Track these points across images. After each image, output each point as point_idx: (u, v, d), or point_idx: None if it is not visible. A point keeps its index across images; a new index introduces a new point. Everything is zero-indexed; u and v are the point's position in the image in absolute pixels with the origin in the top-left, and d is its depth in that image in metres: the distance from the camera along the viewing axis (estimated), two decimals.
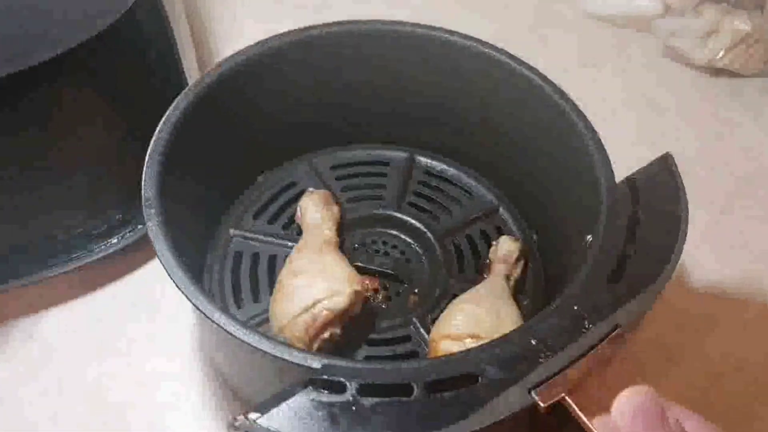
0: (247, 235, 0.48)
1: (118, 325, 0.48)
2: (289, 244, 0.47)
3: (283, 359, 0.31)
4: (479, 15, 0.72)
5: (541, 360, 0.30)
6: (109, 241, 0.48)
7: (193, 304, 0.32)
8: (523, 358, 0.31)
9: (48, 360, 0.47)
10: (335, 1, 0.73)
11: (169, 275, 0.33)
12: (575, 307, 0.32)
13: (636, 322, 0.33)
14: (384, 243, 0.49)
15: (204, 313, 0.32)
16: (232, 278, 0.46)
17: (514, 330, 0.32)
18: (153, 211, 0.36)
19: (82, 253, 0.46)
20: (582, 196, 0.41)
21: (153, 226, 0.35)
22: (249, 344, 0.31)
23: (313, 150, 0.53)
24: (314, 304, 0.39)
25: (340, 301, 0.40)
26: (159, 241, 0.34)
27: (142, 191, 0.36)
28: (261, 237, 0.48)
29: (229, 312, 0.43)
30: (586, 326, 0.32)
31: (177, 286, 0.33)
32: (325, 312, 0.39)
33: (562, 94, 0.42)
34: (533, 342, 0.31)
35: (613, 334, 0.32)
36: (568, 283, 0.36)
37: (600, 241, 0.36)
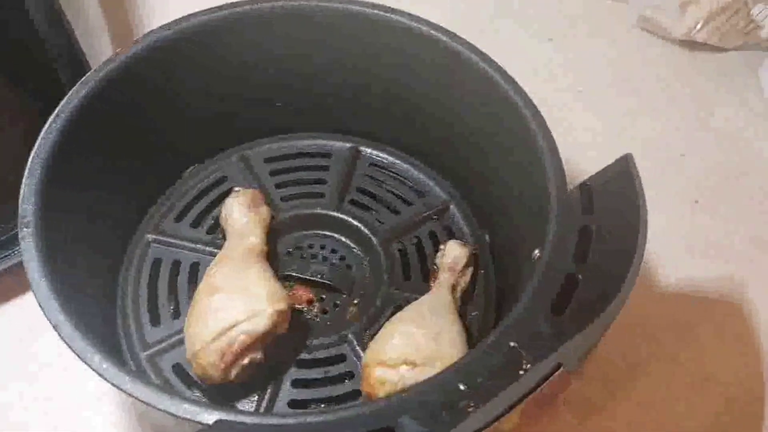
0: (167, 240, 0.43)
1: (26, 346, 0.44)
2: (214, 250, 0.43)
3: (173, 414, 0.26)
4: None
5: (469, 410, 0.26)
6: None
7: (72, 349, 0.28)
8: (448, 408, 0.26)
9: None
10: None
11: (44, 313, 0.28)
12: (512, 343, 0.28)
13: (581, 358, 0.29)
14: (322, 247, 0.44)
15: (83, 360, 0.27)
16: (148, 291, 0.41)
17: (440, 372, 0.28)
18: (29, 231, 0.31)
19: None
20: (533, 202, 0.36)
21: (28, 252, 0.30)
22: (134, 396, 0.26)
23: (246, 141, 0.48)
24: (231, 328, 0.35)
25: (260, 323, 0.35)
26: (33, 271, 0.29)
27: (19, 208, 0.31)
28: (183, 243, 0.43)
29: (143, 334, 0.39)
30: (524, 366, 0.28)
31: (53, 326, 0.28)
32: (242, 336, 0.35)
33: (516, 88, 0.38)
34: (461, 387, 0.27)
35: (555, 374, 0.28)
36: (508, 310, 0.32)
37: (545, 262, 0.31)
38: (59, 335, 0.28)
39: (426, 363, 0.35)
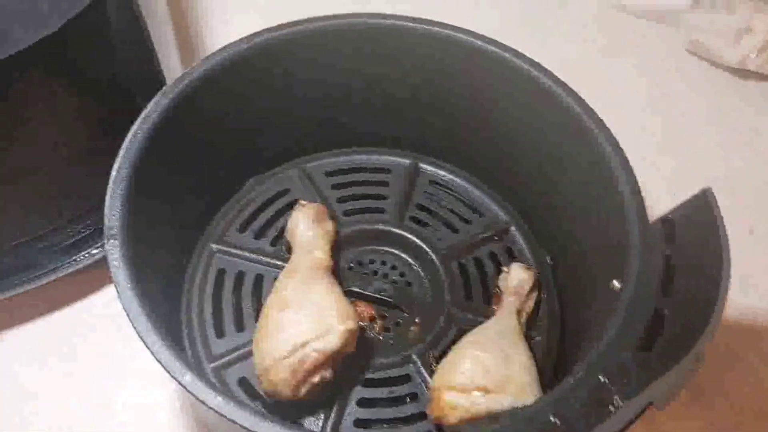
0: (232, 251, 0.43)
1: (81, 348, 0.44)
2: (278, 263, 0.43)
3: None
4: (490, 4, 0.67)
5: None
6: (85, 252, 0.43)
7: (162, 365, 0.28)
8: None
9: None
10: None
11: (134, 327, 0.28)
12: (601, 379, 0.28)
13: (671, 396, 0.29)
14: (383, 263, 0.44)
15: (173, 376, 0.27)
16: (213, 302, 0.41)
17: (532, 405, 0.28)
18: (116, 242, 0.31)
19: (41, 270, 0.41)
20: (608, 232, 0.36)
21: (116, 263, 0.30)
22: (226, 417, 0.26)
23: (307, 154, 0.48)
24: (303, 345, 0.35)
25: (332, 341, 0.35)
26: (123, 287, 0.29)
27: (105, 219, 0.31)
28: (246, 254, 0.43)
29: (208, 346, 0.39)
30: (615, 402, 0.28)
31: (143, 342, 0.28)
32: (314, 354, 0.35)
33: (598, 122, 0.37)
34: (553, 419, 0.27)
35: (645, 411, 0.28)
36: (592, 340, 0.32)
37: (630, 296, 0.31)
38: (155, 357, 0.28)
39: (498, 389, 0.34)
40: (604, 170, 0.36)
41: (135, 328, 0.28)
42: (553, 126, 0.40)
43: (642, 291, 0.31)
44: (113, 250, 0.31)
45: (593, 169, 0.37)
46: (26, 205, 0.42)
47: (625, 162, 0.36)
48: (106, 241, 0.31)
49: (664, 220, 0.34)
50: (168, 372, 0.27)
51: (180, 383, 0.27)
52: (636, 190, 0.34)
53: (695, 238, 0.33)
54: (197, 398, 0.26)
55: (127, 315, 0.29)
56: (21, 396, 0.42)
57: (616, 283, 0.34)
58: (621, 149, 0.36)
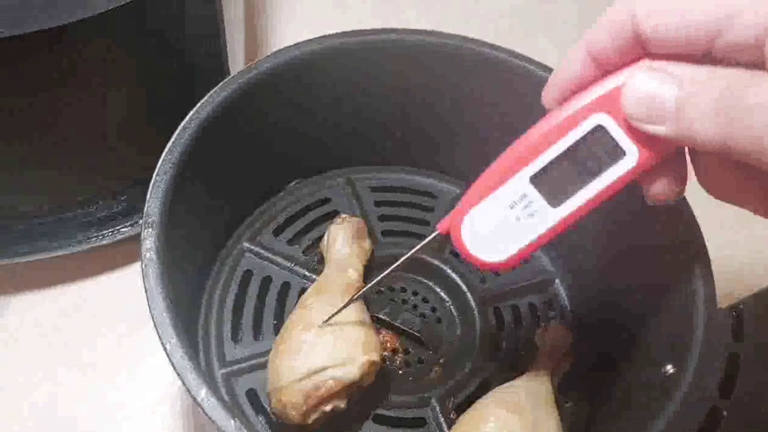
0: (263, 253, 0.41)
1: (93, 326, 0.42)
2: (307, 273, 0.41)
3: None
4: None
5: None
6: (113, 229, 0.41)
7: (178, 375, 0.26)
8: None
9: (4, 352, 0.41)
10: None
11: (157, 332, 0.26)
12: None
13: None
14: (414, 293, 0.42)
15: (189, 391, 0.25)
16: (235, 303, 0.39)
17: None
18: (152, 232, 0.29)
19: (76, 239, 0.39)
20: (667, 306, 0.34)
21: (149, 254, 0.28)
22: None
23: (354, 164, 0.46)
24: (320, 371, 0.33)
25: (351, 371, 0.33)
26: (151, 280, 0.28)
27: (145, 206, 0.29)
28: (277, 259, 0.41)
29: (222, 349, 0.37)
30: None
31: (164, 348, 0.26)
32: (331, 382, 0.33)
33: None
34: None
35: None
36: (632, 423, 0.29)
37: (686, 388, 0.28)
38: (168, 356, 0.26)
39: None
40: (677, 248, 0.33)
41: (158, 332, 0.27)
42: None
43: (699, 383, 0.29)
44: (148, 239, 0.29)
45: (661, 237, 0.35)
46: (67, 172, 0.40)
47: (700, 240, 0.33)
48: (142, 228, 0.29)
49: (733, 309, 0.31)
50: (185, 386, 0.25)
51: (195, 400, 0.25)
52: (708, 278, 0.31)
53: (766, 335, 0.30)
54: (210, 419, 0.24)
55: (151, 313, 0.27)
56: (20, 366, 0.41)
57: (669, 368, 0.31)
58: (695, 222, 0.33)
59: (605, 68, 0.25)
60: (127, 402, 0.40)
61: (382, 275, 0.33)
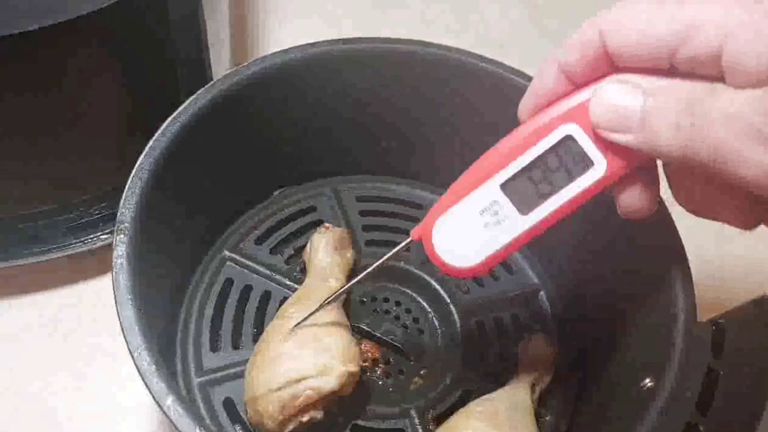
0: (244, 261, 0.41)
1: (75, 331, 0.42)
2: (289, 282, 0.41)
3: None
4: None
5: None
6: (93, 236, 0.41)
7: (144, 383, 0.25)
8: None
9: None
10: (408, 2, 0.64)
11: (124, 335, 0.26)
12: None
13: None
14: (397, 303, 0.42)
15: (155, 399, 0.25)
16: (214, 311, 0.39)
17: None
18: (124, 238, 0.29)
19: (62, 243, 0.39)
20: (647, 322, 0.33)
21: (120, 260, 0.28)
22: None
23: (341, 173, 0.46)
24: (298, 381, 0.32)
25: (330, 381, 0.33)
26: (122, 287, 0.27)
27: (118, 212, 0.29)
28: (259, 268, 0.41)
29: (200, 358, 0.37)
30: None
31: (130, 354, 0.26)
32: (308, 392, 0.32)
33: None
34: None
35: None
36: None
37: (662, 403, 0.28)
38: (135, 364, 0.26)
39: None
40: (658, 262, 0.33)
41: (126, 340, 0.26)
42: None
43: (676, 399, 0.28)
44: (120, 246, 0.29)
45: (645, 260, 0.34)
46: (49, 175, 0.40)
47: (679, 248, 0.32)
48: (114, 235, 0.29)
49: (714, 324, 0.31)
50: (151, 393, 0.25)
51: (161, 408, 0.24)
52: (689, 292, 0.31)
53: (746, 351, 0.30)
54: (176, 427, 0.24)
55: (120, 320, 0.27)
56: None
57: (648, 381, 0.31)
58: (677, 234, 0.33)
59: (576, 83, 0.26)
60: (119, 404, 0.40)
61: (354, 280, 0.33)
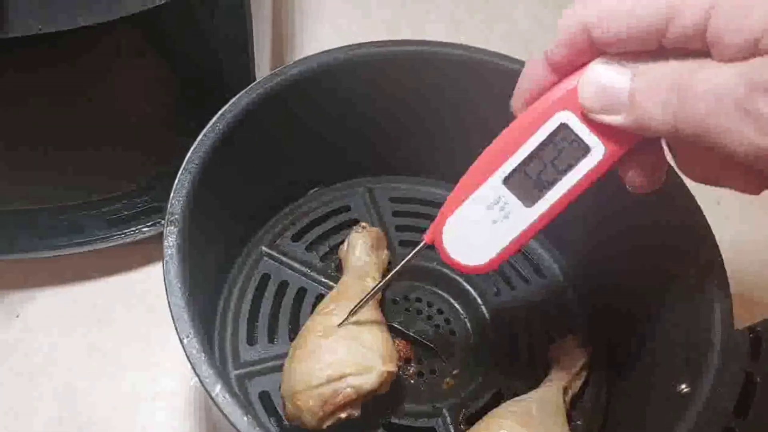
0: (281, 257, 0.42)
1: (111, 321, 0.43)
2: (323, 279, 0.41)
3: None
4: None
5: None
6: (135, 228, 0.42)
7: (195, 371, 0.26)
8: None
9: (24, 344, 0.42)
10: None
11: (174, 321, 0.27)
12: None
13: None
14: (429, 304, 0.42)
15: (203, 386, 0.25)
16: (251, 305, 0.40)
17: None
18: (175, 229, 0.30)
19: (91, 236, 0.40)
20: (681, 328, 0.33)
21: (170, 250, 0.29)
22: None
23: (376, 173, 0.47)
24: (339, 378, 0.33)
25: (369, 380, 0.33)
26: (171, 276, 0.28)
27: (168, 204, 0.30)
28: (295, 264, 0.42)
29: (237, 350, 0.38)
30: None
31: (182, 344, 0.27)
32: (348, 390, 0.33)
33: (695, 209, 0.34)
34: None
35: None
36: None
37: (700, 408, 0.28)
38: (185, 351, 0.26)
39: None
40: (696, 270, 0.33)
41: (176, 327, 0.27)
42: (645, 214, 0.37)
43: (714, 404, 0.28)
44: (170, 236, 0.29)
45: (684, 266, 0.34)
46: (93, 168, 0.41)
47: (717, 257, 0.33)
48: (165, 226, 0.29)
49: (752, 330, 0.31)
50: (200, 380, 0.25)
51: (209, 395, 0.25)
52: (726, 298, 0.31)
53: None
54: (224, 414, 0.25)
55: (170, 307, 0.27)
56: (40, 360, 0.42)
57: (683, 387, 0.31)
58: (717, 247, 0.33)
59: (564, 73, 0.26)
60: (143, 393, 0.41)
61: (386, 278, 0.34)
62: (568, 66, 0.26)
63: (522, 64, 0.40)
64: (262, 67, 0.43)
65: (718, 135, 0.22)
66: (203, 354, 0.26)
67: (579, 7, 0.24)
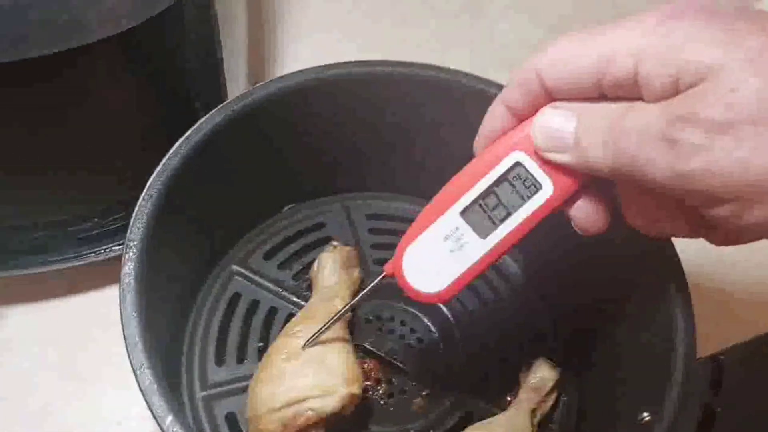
0: (252, 276, 0.42)
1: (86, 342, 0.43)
2: (295, 299, 0.41)
3: None
4: None
5: None
6: (106, 247, 0.42)
7: (146, 402, 0.26)
8: None
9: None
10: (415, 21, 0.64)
11: (128, 353, 0.27)
12: None
13: None
14: (402, 323, 0.42)
15: (155, 418, 0.25)
16: (221, 325, 0.40)
17: None
18: (133, 256, 0.30)
19: (76, 253, 0.40)
20: (646, 351, 0.33)
21: (127, 279, 0.29)
22: None
23: (351, 191, 0.46)
24: (300, 401, 0.33)
25: (331, 403, 0.33)
26: (128, 306, 0.28)
27: (128, 229, 0.30)
28: (266, 283, 0.42)
29: (205, 371, 0.38)
30: None
31: (133, 371, 0.27)
32: (309, 413, 0.33)
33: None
34: None
35: None
36: None
37: None
38: (137, 381, 0.26)
39: None
40: (660, 296, 0.33)
41: (129, 358, 0.27)
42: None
43: None
44: (128, 263, 0.29)
45: (648, 293, 0.34)
46: (64, 187, 0.41)
47: (685, 292, 0.32)
48: (124, 252, 0.29)
49: (714, 360, 0.31)
50: (151, 411, 0.25)
51: (161, 427, 0.25)
52: (689, 326, 0.31)
53: (744, 389, 0.30)
54: None
55: (125, 338, 0.27)
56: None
57: (645, 415, 0.31)
58: (683, 275, 0.33)
59: (522, 119, 0.28)
60: (118, 413, 0.41)
61: (349, 303, 0.36)
62: (525, 111, 0.28)
63: (494, 85, 0.41)
64: (239, 89, 0.43)
65: (645, 166, 0.24)
66: (155, 385, 0.26)
67: (537, 55, 0.27)
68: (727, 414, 0.29)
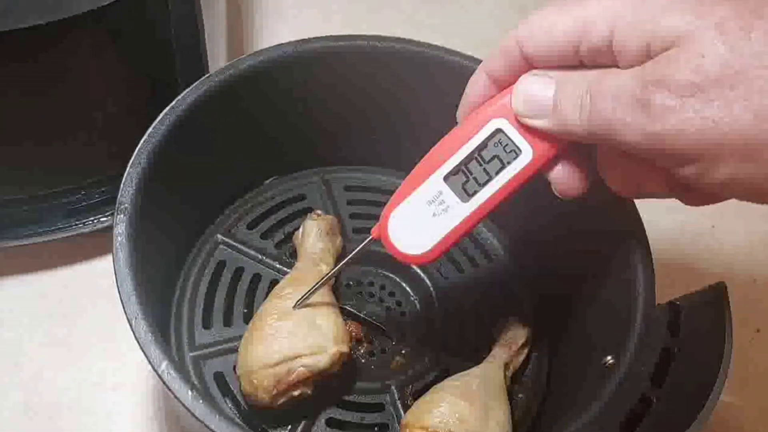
0: (236, 245, 0.43)
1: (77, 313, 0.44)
2: (278, 266, 0.43)
3: None
4: None
5: None
6: (93, 218, 0.43)
7: (142, 350, 0.27)
8: None
9: None
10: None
11: (122, 305, 0.28)
12: None
13: None
14: (381, 287, 0.44)
15: (150, 363, 0.27)
16: (207, 291, 0.41)
17: None
18: (125, 218, 0.31)
19: (64, 225, 0.41)
20: (611, 304, 0.36)
21: (120, 238, 0.30)
22: (200, 421, 0.26)
23: (331, 164, 0.48)
24: (293, 358, 0.35)
25: (322, 360, 0.35)
26: (121, 263, 0.29)
27: (119, 194, 0.31)
28: (250, 251, 0.43)
29: (193, 334, 0.39)
30: None
31: (128, 322, 0.28)
32: (302, 369, 0.35)
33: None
34: None
35: None
36: (574, 411, 0.31)
37: (620, 377, 0.30)
38: (133, 331, 0.28)
39: None
40: (622, 246, 0.35)
41: (125, 309, 0.28)
42: None
43: (633, 373, 0.31)
44: (120, 225, 0.31)
45: (610, 244, 0.37)
46: (52, 161, 0.42)
47: (640, 233, 0.35)
48: (115, 215, 0.31)
49: (672, 305, 0.33)
50: (147, 358, 0.27)
51: (156, 371, 0.27)
52: (649, 272, 0.33)
53: (700, 332, 0.32)
54: (170, 390, 0.26)
55: (119, 293, 0.29)
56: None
57: (609, 359, 0.33)
58: (639, 217, 0.35)
59: (503, 87, 0.30)
60: (107, 381, 0.42)
61: (340, 264, 0.37)
62: (506, 80, 0.30)
63: (472, 60, 0.42)
64: (219, 63, 0.44)
65: (620, 129, 0.25)
66: (150, 334, 0.28)
67: (519, 27, 0.28)
68: (683, 355, 0.31)
